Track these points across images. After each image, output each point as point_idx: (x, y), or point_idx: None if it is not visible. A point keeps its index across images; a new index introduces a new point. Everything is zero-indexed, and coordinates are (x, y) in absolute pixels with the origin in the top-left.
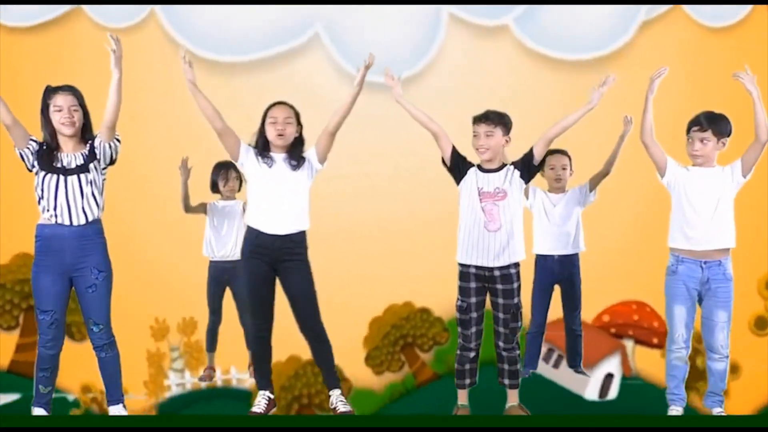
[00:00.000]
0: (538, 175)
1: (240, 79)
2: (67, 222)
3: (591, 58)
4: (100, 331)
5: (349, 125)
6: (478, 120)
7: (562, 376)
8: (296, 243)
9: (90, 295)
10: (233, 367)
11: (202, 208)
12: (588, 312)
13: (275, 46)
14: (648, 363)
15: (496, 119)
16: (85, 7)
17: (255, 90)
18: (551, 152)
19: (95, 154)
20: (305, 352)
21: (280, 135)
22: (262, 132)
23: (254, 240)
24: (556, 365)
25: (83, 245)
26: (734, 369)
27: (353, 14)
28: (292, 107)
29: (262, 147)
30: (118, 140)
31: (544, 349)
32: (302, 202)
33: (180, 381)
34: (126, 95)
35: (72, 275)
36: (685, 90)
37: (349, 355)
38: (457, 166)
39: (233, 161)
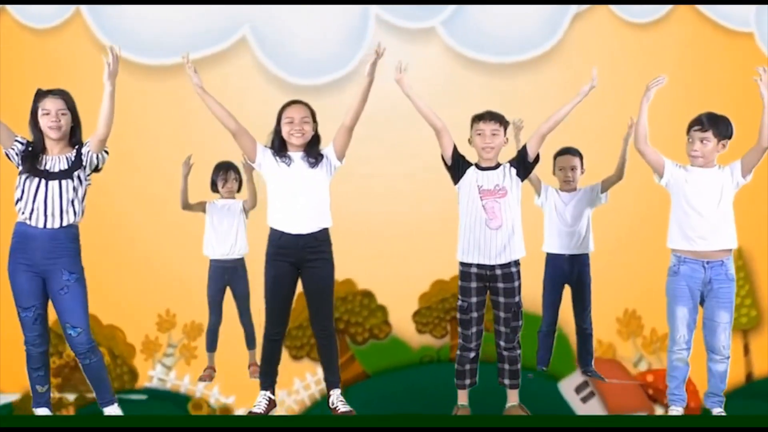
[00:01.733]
0: (550, 174)
1: (168, 82)
2: (41, 225)
3: (518, 60)
4: (78, 335)
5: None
6: (483, 119)
7: (586, 411)
8: (321, 241)
9: (63, 297)
10: (217, 387)
11: (201, 207)
12: (599, 319)
13: (203, 48)
14: None
15: (501, 119)
16: (10, 8)
17: (182, 93)
18: (561, 152)
19: (81, 161)
20: (361, 280)
21: (298, 135)
22: (278, 132)
23: (277, 241)
24: (585, 400)
25: (54, 247)
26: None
27: (280, 18)
28: (307, 105)
29: (279, 147)
30: (106, 152)
31: (579, 381)
32: (323, 200)
33: (163, 377)
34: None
35: (44, 276)
36: (621, 87)
37: (401, 305)
38: (458, 165)
39: (250, 162)
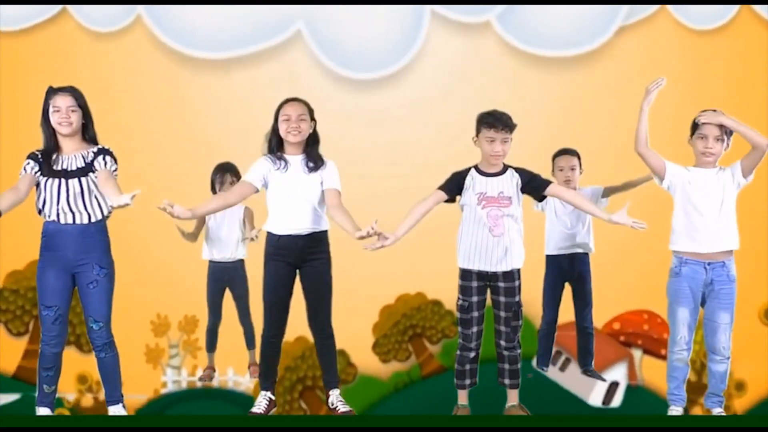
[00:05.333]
0: (548, 175)
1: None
2: (70, 221)
3: (573, 55)
4: (100, 329)
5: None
6: (494, 126)
7: (568, 379)
8: (319, 241)
9: (90, 292)
10: (231, 369)
11: (201, 224)
12: (598, 317)
13: (259, 42)
14: (655, 374)
15: (512, 126)
16: (72, 9)
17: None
18: (559, 153)
19: (93, 168)
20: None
21: (295, 133)
22: (275, 130)
23: (276, 242)
24: (563, 368)
25: (86, 242)
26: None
27: (335, 12)
28: (305, 103)
29: (276, 146)
30: (115, 161)
31: (552, 351)
32: (320, 203)
33: (176, 378)
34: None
35: (74, 271)
36: (675, 91)
37: (357, 341)
38: (459, 190)
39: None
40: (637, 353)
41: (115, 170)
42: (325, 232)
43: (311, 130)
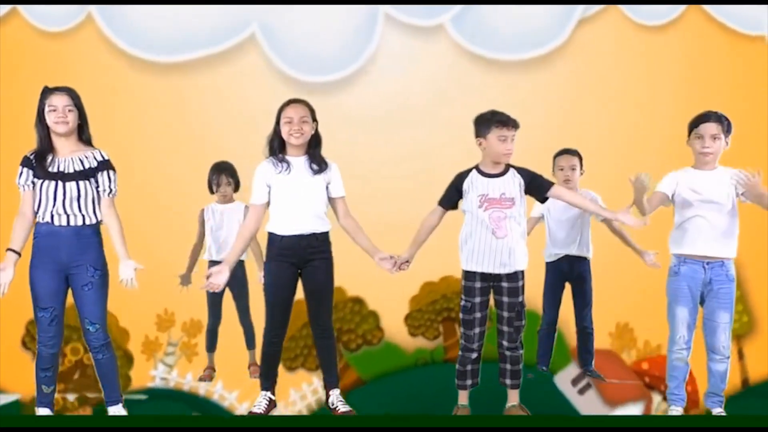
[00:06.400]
0: (549, 174)
1: (170, 79)
2: (65, 223)
3: (526, 58)
4: (96, 331)
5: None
6: (507, 125)
7: (585, 404)
8: (321, 241)
9: (85, 293)
10: (220, 382)
11: (202, 225)
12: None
13: (211, 46)
14: None
15: (518, 125)
16: (23, 10)
17: (183, 90)
18: (560, 153)
19: (95, 176)
20: (350, 287)
21: (297, 135)
22: (277, 132)
23: (278, 243)
24: (582, 392)
25: (80, 243)
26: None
27: (289, 15)
28: (307, 104)
29: (278, 148)
30: (114, 171)
31: (575, 373)
32: (323, 203)
33: (165, 376)
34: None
35: (68, 273)
36: (622, 87)
37: (391, 308)
38: (459, 194)
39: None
40: (656, 398)
41: (116, 192)
42: (327, 233)
43: (313, 132)
